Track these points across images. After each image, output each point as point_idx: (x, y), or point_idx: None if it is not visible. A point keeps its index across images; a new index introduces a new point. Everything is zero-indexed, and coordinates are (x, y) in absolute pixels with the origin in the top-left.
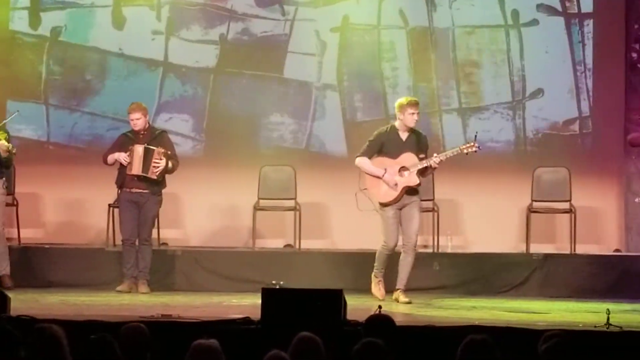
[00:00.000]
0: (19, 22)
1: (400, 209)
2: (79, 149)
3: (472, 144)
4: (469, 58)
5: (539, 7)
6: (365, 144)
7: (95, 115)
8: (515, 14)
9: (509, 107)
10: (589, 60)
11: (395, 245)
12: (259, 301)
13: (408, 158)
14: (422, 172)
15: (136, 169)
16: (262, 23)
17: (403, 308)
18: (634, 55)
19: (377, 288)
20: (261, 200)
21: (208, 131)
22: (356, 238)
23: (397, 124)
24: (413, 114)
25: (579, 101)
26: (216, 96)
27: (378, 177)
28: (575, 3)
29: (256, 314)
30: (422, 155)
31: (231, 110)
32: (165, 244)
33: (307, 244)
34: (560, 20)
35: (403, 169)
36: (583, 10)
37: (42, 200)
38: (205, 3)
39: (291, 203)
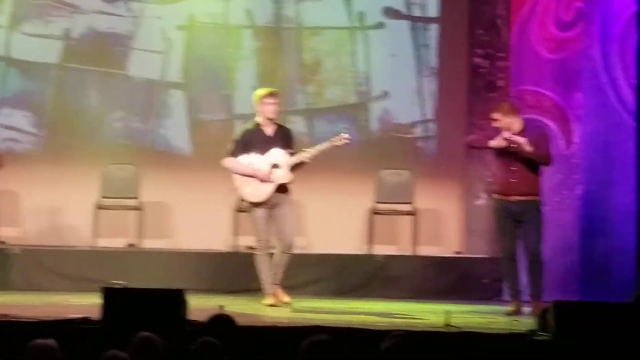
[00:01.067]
0: None
1: (272, 209)
2: None
3: (343, 135)
4: (315, 59)
5: (385, 10)
6: (231, 143)
7: None
8: (362, 16)
9: (354, 109)
10: (434, 64)
11: (268, 242)
12: (100, 301)
13: (278, 154)
14: (293, 168)
15: None
16: (107, 19)
17: (247, 308)
18: (478, 60)
19: (271, 300)
20: (103, 199)
21: (50, 128)
22: (200, 238)
23: (259, 119)
24: (272, 104)
25: (423, 104)
26: (59, 92)
27: (251, 176)
28: (420, 7)
29: (96, 314)
30: (291, 151)
31: (74, 107)
32: (2, 242)
33: (149, 243)
34: (406, 24)
35: (274, 166)
36: (428, 15)
37: None
38: None
39: (134, 202)
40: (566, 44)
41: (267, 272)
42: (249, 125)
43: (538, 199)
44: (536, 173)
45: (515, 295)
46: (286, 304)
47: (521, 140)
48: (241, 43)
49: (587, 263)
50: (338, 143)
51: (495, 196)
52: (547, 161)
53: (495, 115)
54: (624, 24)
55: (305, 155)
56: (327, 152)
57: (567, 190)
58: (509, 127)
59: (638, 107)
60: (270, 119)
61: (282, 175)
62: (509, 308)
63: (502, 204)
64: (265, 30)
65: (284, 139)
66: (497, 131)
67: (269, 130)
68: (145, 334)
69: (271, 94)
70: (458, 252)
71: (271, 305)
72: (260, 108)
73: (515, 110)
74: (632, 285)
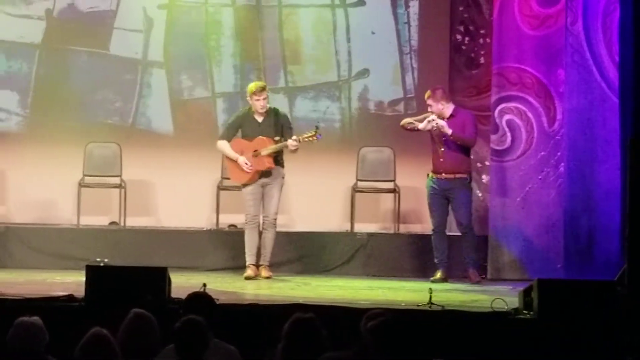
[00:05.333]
0: None
1: (263, 187)
2: None
3: (312, 133)
4: (295, 37)
5: None
6: (225, 126)
7: None
8: None
9: (335, 87)
10: (415, 42)
11: (255, 218)
12: (84, 278)
13: (260, 142)
14: (275, 154)
15: None
16: None
17: (229, 287)
18: (459, 37)
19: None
20: (86, 177)
21: (33, 107)
22: (182, 216)
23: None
24: (258, 100)
25: (404, 82)
26: (42, 72)
27: (234, 161)
28: None
29: (80, 292)
30: (277, 138)
31: (57, 86)
32: None
33: (132, 221)
34: (387, 1)
35: (255, 152)
36: None
37: None
38: None
39: (116, 180)
40: (548, 20)
41: (248, 245)
42: (244, 109)
43: (465, 176)
44: (464, 153)
45: (443, 265)
46: (267, 277)
47: (442, 123)
48: (221, 21)
49: (571, 241)
50: (307, 140)
51: (428, 174)
52: (470, 143)
53: (428, 102)
54: (607, 0)
55: (289, 143)
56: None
57: (550, 167)
58: (440, 112)
59: (621, 84)
60: (260, 113)
61: (258, 163)
62: (436, 276)
63: (432, 181)
64: (246, 9)
65: (275, 125)
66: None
67: (260, 117)
68: (140, 310)
69: (260, 90)
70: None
71: (248, 278)
72: (251, 102)
73: (446, 97)
74: (617, 263)
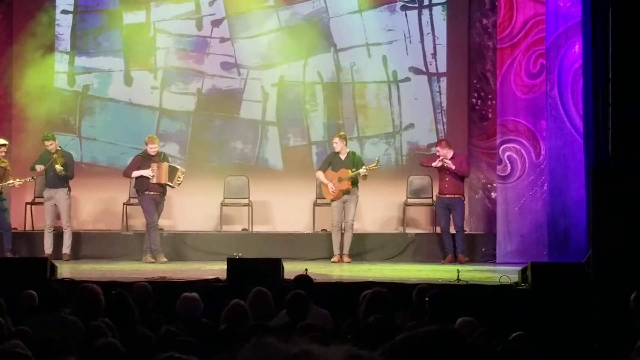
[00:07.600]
0: (61, 81)
1: (344, 202)
2: (102, 167)
3: (374, 164)
4: (364, 103)
5: (410, 68)
6: (322, 162)
7: (112, 144)
8: (395, 73)
9: (391, 136)
10: (444, 104)
11: (339, 224)
12: (225, 267)
13: (342, 172)
14: (352, 180)
15: (163, 179)
16: (225, 80)
17: (323, 270)
18: (474, 100)
19: (333, 259)
20: (226, 199)
21: (190, 153)
22: (290, 224)
23: None
24: (334, 143)
25: (437, 132)
26: (195, 130)
27: (325, 184)
28: (434, 65)
29: (223, 276)
30: (353, 169)
31: (205, 139)
32: (161, 229)
33: (257, 228)
34: (424, 77)
35: (340, 179)
36: (439, 71)
37: (78, 201)
38: (187, 67)
39: (246, 201)
40: (534, 87)
41: (335, 243)
42: (332, 152)
43: (462, 197)
44: (460, 181)
45: (451, 253)
46: (348, 262)
47: (448, 162)
48: (314, 93)
49: (553, 236)
50: (373, 168)
51: (437, 195)
52: (466, 175)
53: (437, 148)
54: (573, 73)
55: (360, 171)
56: (369, 172)
57: (537, 187)
58: (445, 155)
59: (584, 130)
60: (341, 153)
61: (341, 185)
62: (447, 259)
63: (440, 200)
64: (331, 84)
65: (352, 161)
66: (437, 157)
67: (343, 156)
68: (260, 288)
69: (334, 136)
70: (465, 230)
71: (333, 262)
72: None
73: (449, 145)
74: (584, 251)
